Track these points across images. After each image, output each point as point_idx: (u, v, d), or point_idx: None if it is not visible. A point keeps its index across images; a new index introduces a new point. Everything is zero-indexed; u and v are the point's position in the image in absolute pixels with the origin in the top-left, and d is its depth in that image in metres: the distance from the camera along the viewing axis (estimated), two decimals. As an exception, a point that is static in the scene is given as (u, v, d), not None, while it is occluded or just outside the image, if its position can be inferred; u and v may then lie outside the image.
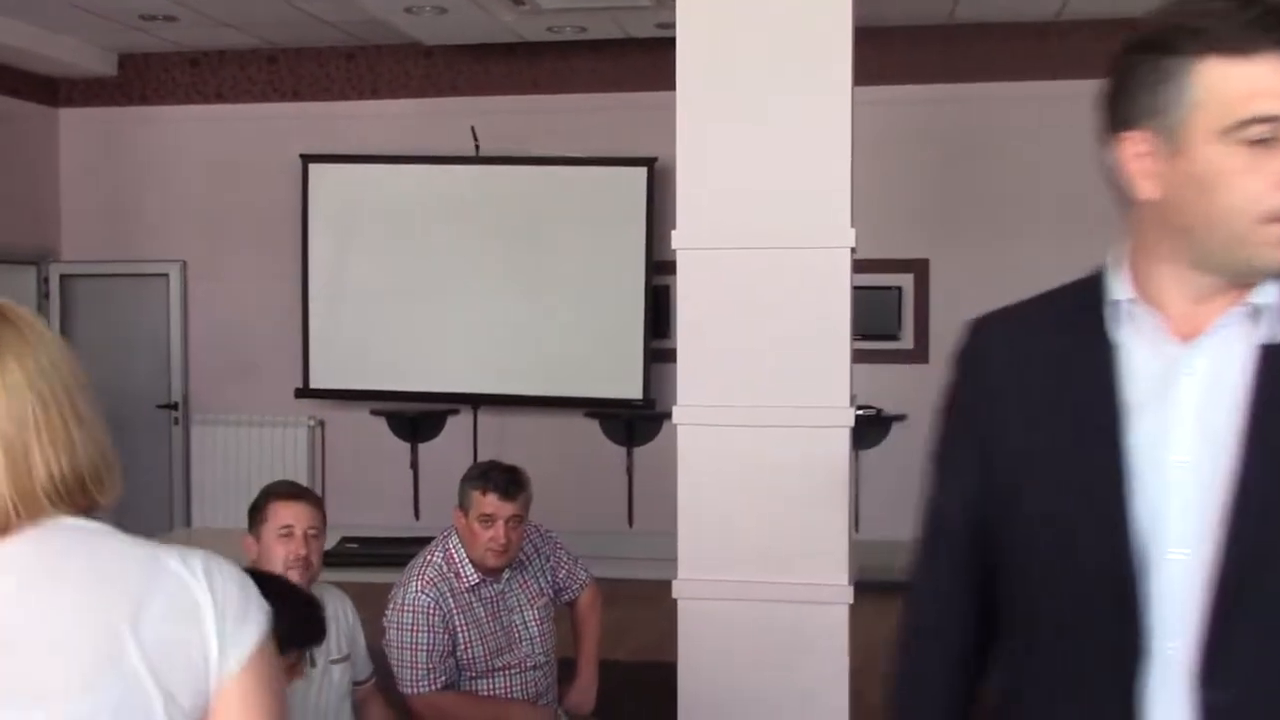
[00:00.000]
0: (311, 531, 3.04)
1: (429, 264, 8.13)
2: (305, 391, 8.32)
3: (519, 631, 3.45)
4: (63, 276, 8.77)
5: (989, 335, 1.54)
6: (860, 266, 3.47)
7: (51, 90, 8.72)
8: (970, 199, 7.82)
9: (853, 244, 3.41)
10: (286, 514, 3.02)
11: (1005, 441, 1.46)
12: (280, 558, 2.98)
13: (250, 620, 1.28)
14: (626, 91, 8.00)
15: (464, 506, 3.39)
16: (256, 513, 3.07)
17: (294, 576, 2.96)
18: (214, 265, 8.61)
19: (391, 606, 3.38)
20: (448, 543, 3.45)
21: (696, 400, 3.53)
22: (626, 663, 4.19)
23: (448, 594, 3.36)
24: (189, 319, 8.72)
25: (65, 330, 8.71)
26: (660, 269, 7.64)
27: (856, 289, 3.54)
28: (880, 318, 7.74)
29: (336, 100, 8.46)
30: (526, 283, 8.05)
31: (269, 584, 2.46)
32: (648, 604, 5.84)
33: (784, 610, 3.44)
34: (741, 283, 3.51)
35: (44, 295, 8.74)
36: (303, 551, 3.00)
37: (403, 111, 8.34)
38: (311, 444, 8.46)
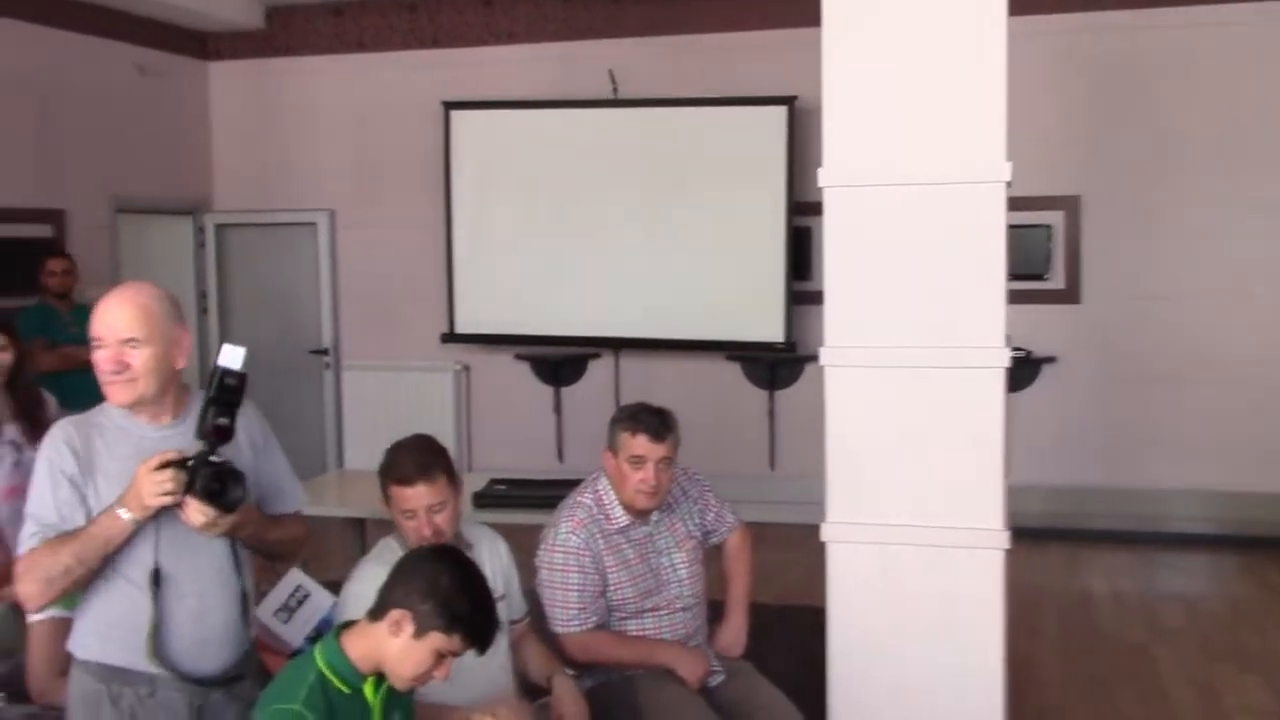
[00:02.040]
0: (435, 508, 3.06)
1: (570, 209, 8.17)
2: (451, 337, 8.46)
3: (668, 573, 3.47)
4: (217, 226, 9.05)
5: None
6: (1009, 204, 3.34)
7: (201, 44, 8.96)
8: (1124, 133, 7.51)
9: (1008, 178, 3.30)
10: (406, 499, 3.06)
11: None
12: (410, 534, 3.05)
13: None
14: (765, 29, 7.88)
15: (613, 448, 3.40)
16: (382, 489, 3.13)
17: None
18: (361, 213, 8.79)
19: (543, 547, 3.42)
20: (597, 484, 3.47)
21: (845, 342, 3.46)
22: (774, 606, 4.19)
23: (597, 535, 3.39)
24: (338, 266, 8.93)
25: (220, 279, 9.01)
26: (801, 210, 7.55)
27: (1012, 228, 3.42)
28: (1030, 257, 7.51)
29: (476, 46, 8.51)
30: (667, 226, 8.03)
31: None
32: (791, 547, 5.83)
33: (936, 555, 3.38)
34: (891, 221, 3.42)
35: (200, 245, 9.03)
36: (427, 532, 3.04)
37: (541, 56, 8.36)
38: (457, 388, 8.62)
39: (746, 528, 3.75)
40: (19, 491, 3.05)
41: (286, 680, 2.43)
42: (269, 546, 2.68)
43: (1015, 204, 3.48)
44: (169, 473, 2.34)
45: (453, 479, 3.13)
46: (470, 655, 3.01)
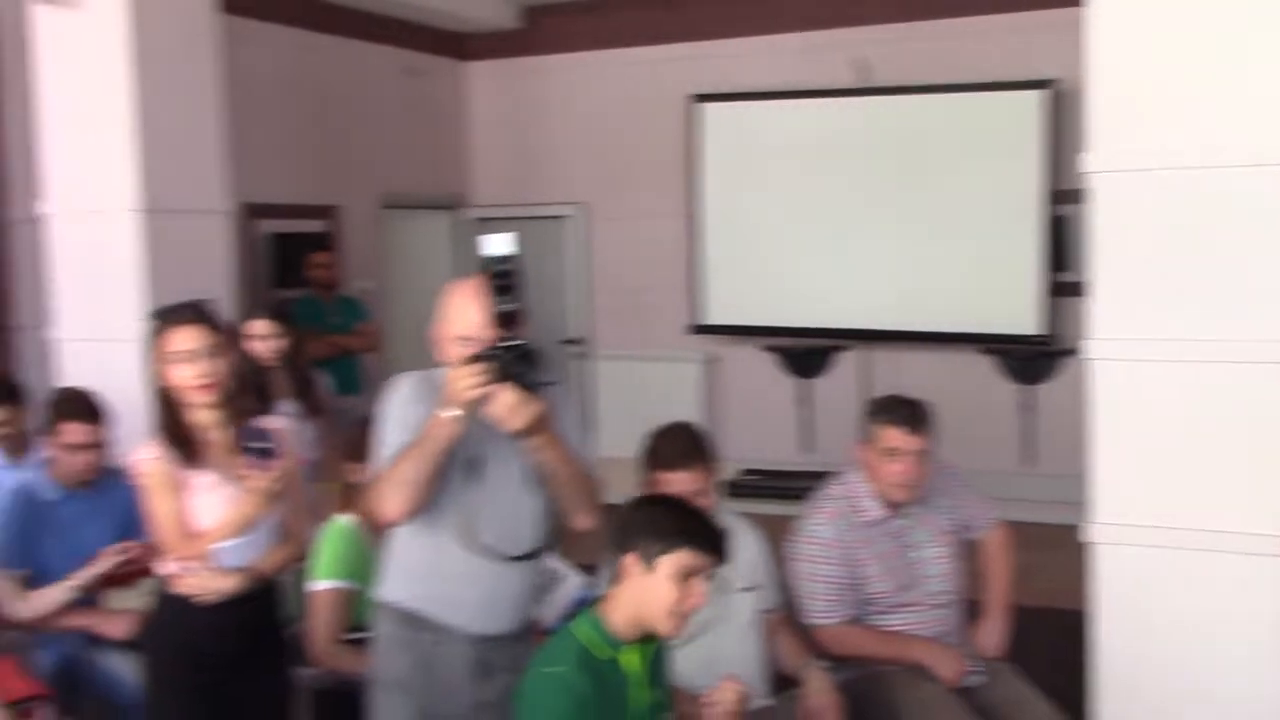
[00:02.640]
0: (695, 494, 3.06)
1: (818, 200, 8.10)
2: (699, 328, 8.53)
3: (924, 568, 3.39)
4: (475, 220, 9.39)
5: None
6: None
7: (460, 45, 9.30)
8: None
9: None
10: (667, 484, 3.08)
11: None
12: None
13: None
14: (1017, 12, 7.58)
15: (867, 440, 3.36)
16: (643, 473, 3.16)
17: None
18: (612, 206, 8.95)
19: (795, 538, 3.41)
20: (848, 477, 3.44)
21: (1114, 334, 3.30)
22: (1031, 607, 4.03)
23: (849, 528, 3.35)
24: (591, 259, 9.12)
25: (478, 272, 9.33)
26: (1060, 198, 7.24)
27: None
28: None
29: (723, 39, 8.53)
30: (917, 216, 7.86)
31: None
32: (1048, 548, 5.60)
33: (1215, 561, 3.18)
34: (1165, 207, 3.24)
35: (458, 239, 9.40)
36: None
37: (787, 46, 8.30)
38: (705, 379, 8.68)
39: (1007, 525, 3.63)
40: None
41: (551, 649, 2.52)
42: (562, 480, 2.70)
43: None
44: (474, 366, 2.47)
45: (711, 466, 3.15)
46: (725, 645, 3.04)
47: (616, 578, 2.50)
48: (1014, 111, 7.59)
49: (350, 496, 3.73)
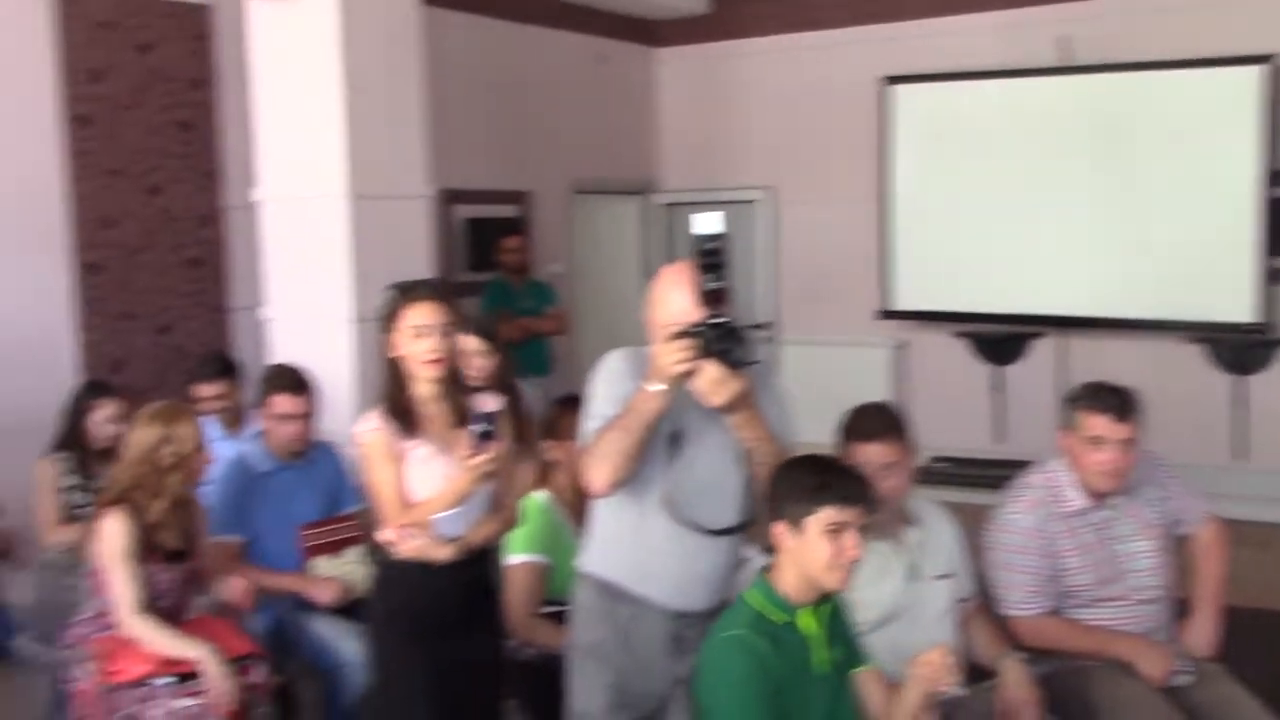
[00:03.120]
0: (886, 469, 3.04)
1: (1015, 181, 7.86)
2: (888, 313, 8.40)
3: (1129, 561, 3.26)
4: (663, 205, 9.46)
5: None
6: None
7: (650, 31, 9.36)
8: None
9: None
10: (862, 455, 3.05)
11: None
12: None
13: None
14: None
15: (1070, 427, 3.24)
16: (840, 446, 3.13)
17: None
18: (800, 190, 8.88)
19: (993, 526, 3.32)
20: (1049, 466, 3.33)
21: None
22: (1246, 608, 3.83)
23: (1050, 518, 3.25)
24: (779, 242, 9.08)
25: (667, 255, 9.40)
26: (1278, 179, 6.86)
27: None
28: None
29: (916, 19, 8.36)
30: (1120, 199, 7.56)
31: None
32: (1264, 547, 5.34)
33: None
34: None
35: (647, 224, 9.48)
36: (880, 489, 3.00)
37: (984, 25, 8.08)
38: (894, 365, 8.55)
39: (1220, 521, 3.46)
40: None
41: (728, 617, 2.57)
42: (762, 457, 2.72)
43: None
44: (680, 342, 2.52)
45: (908, 444, 3.11)
46: (917, 633, 2.99)
47: (773, 546, 2.55)
48: (1228, 89, 7.23)
49: (545, 473, 3.81)
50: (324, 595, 3.90)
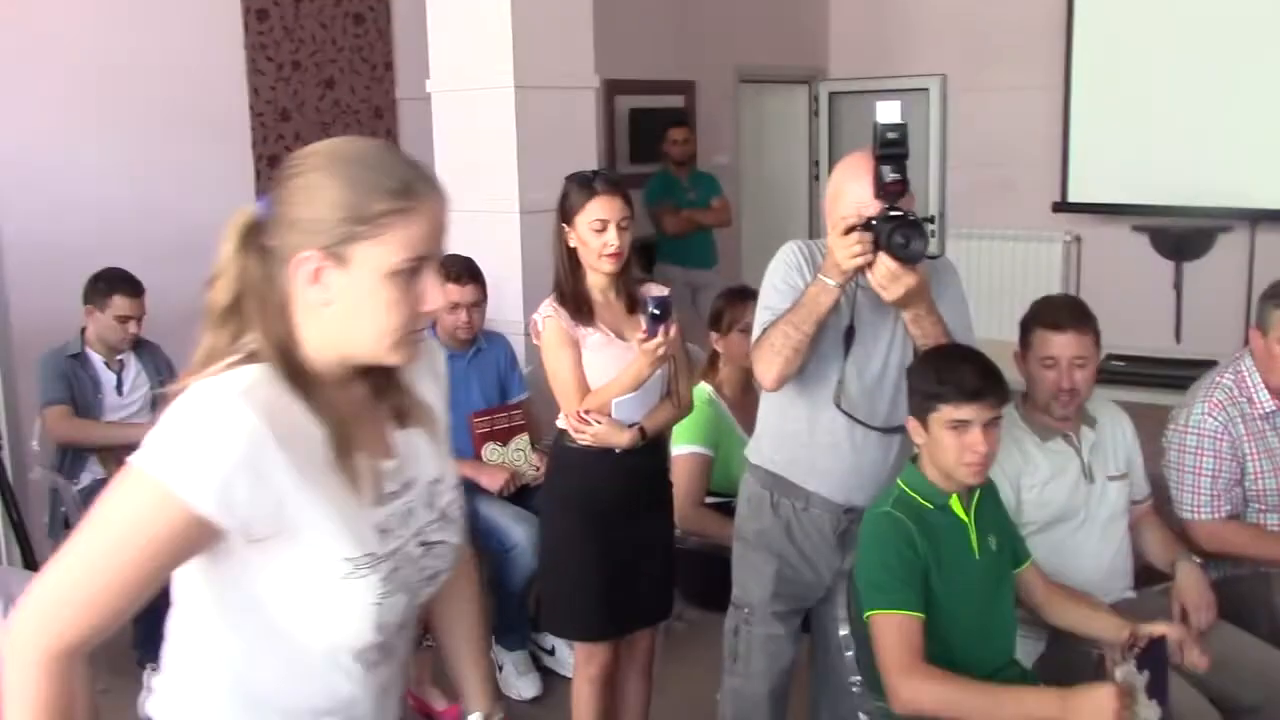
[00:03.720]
0: (1079, 360, 2.94)
1: (1204, 65, 7.43)
2: (1063, 206, 8.10)
3: (1320, 467, 3.13)
4: (830, 94, 9.25)
5: None
6: None
7: (821, -87, 9.07)
8: None
9: None
10: (1050, 345, 2.94)
11: None
12: (1045, 385, 2.94)
13: None
14: None
15: (1263, 326, 3.09)
16: (1024, 333, 3.03)
17: (1058, 407, 2.93)
18: (973, 78, 8.57)
19: (1173, 427, 3.21)
20: (1240, 365, 3.19)
21: None
22: None
23: (1238, 419, 3.12)
24: (947, 133, 8.81)
25: (832, 145, 9.22)
26: None
27: None
28: None
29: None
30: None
31: None
32: None
33: None
34: None
35: (814, 113, 9.29)
36: (1066, 384, 2.92)
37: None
38: (1066, 259, 8.27)
39: None
40: None
41: (880, 499, 2.59)
42: (934, 345, 2.67)
43: None
44: (856, 235, 2.49)
45: (1097, 338, 3.00)
46: (1089, 534, 2.92)
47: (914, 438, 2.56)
48: None
49: (711, 365, 3.83)
50: (494, 482, 4.02)
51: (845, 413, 2.72)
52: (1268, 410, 3.12)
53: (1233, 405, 3.13)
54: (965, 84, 8.63)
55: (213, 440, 1.36)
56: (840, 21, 9.20)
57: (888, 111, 2.51)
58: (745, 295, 3.71)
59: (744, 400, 3.80)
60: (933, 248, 2.61)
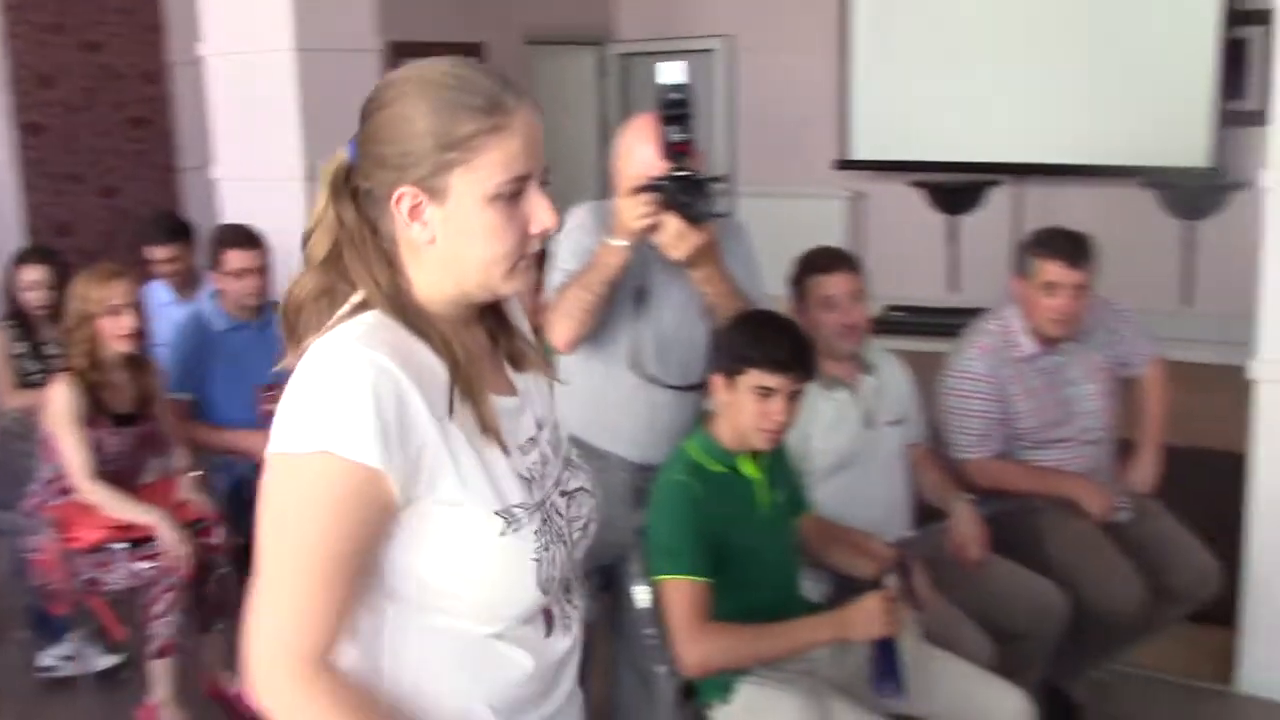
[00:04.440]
0: (856, 295, 3.07)
1: (972, 28, 7.79)
2: (845, 163, 8.36)
3: (1077, 404, 3.34)
4: (620, 55, 9.29)
5: None
6: None
7: (605, -126, 9.07)
8: None
9: None
10: (826, 286, 3.06)
11: None
12: (828, 328, 3.05)
13: None
14: None
15: (1024, 274, 3.28)
16: (796, 286, 3.14)
17: (844, 343, 3.05)
18: (758, 38, 8.74)
19: (946, 372, 3.38)
20: (1004, 311, 3.37)
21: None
22: (1184, 448, 3.95)
23: (1003, 363, 3.31)
24: (735, 93, 8.97)
25: (623, 106, 9.28)
26: (1239, 19, 6.81)
27: None
28: None
29: None
30: (1077, 42, 7.51)
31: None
32: (1206, 388, 5.45)
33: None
34: None
35: (603, 75, 9.32)
36: (849, 321, 3.05)
37: None
38: (850, 216, 8.55)
39: (1163, 361, 3.54)
40: None
41: (669, 463, 2.64)
42: (727, 312, 2.72)
43: None
44: (643, 196, 2.52)
45: (863, 277, 3.12)
46: (870, 478, 3.06)
47: (712, 395, 2.60)
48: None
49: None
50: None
51: (640, 373, 2.76)
52: (1030, 353, 3.31)
53: (998, 350, 3.31)
54: (752, 44, 8.80)
55: (350, 390, 1.28)
56: (626, -19, 9.24)
57: (670, 72, 2.53)
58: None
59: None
60: (723, 207, 2.66)
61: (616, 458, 2.84)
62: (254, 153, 4.93)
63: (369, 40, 5.06)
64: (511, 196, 1.36)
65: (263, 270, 4.06)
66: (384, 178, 1.35)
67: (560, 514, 1.46)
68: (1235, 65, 6.99)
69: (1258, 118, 3.21)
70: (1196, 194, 7.28)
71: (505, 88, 1.36)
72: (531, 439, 1.47)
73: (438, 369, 1.35)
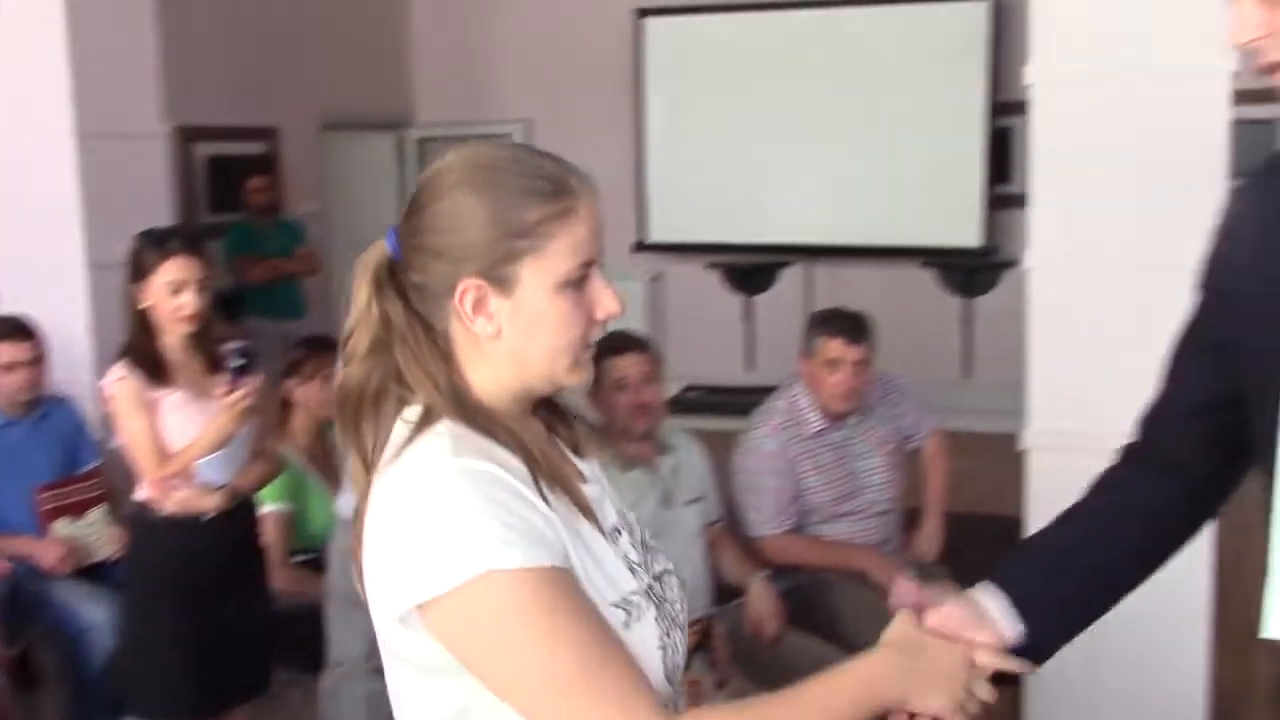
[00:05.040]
0: (649, 376, 3.13)
1: (762, 114, 8.10)
2: (643, 246, 8.53)
3: (864, 478, 3.47)
4: (418, 140, 9.29)
5: (1244, 200, 1.54)
6: (1234, 97, 3.15)
7: (402, -42, 9.12)
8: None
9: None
10: (618, 368, 3.10)
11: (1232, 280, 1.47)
12: (619, 411, 3.10)
13: None
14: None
15: (809, 352, 3.40)
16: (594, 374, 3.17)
17: (637, 424, 3.09)
18: (557, 123, 8.86)
19: (740, 451, 3.46)
20: (792, 389, 3.49)
21: (1051, 245, 3.35)
22: (964, 514, 4.14)
23: (793, 440, 3.41)
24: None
25: (422, 191, 9.23)
26: (1004, 110, 7.30)
27: (1240, 123, 3.24)
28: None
29: (667, -47, 8.43)
30: (861, 129, 7.90)
31: None
32: (984, 456, 5.73)
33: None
34: (1102, 117, 3.27)
35: (401, 160, 9.29)
36: (640, 401, 3.10)
37: (733, -42, 8.23)
38: (649, 297, 8.70)
39: (944, 433, 3.71)
40: None
41: None
42: None
43: (1240, 97, 3.27)
44: None
45: (658, 359, 3.18)
46: (669, 556, 3.10)
47: None
48: (959, 23, 7.62)
49: (283, 414, 3.74)
50: (48, 558, 3.72)
51: None
52: (818, 429, 3.43)
53: (788, 427, 3.42)
54: (550, 129, 8.91)
55: (472, 504, 1.19)
56: (425, 68, 9.28)
57: None
58: (328, 344, 3.66)
59: (319, 450, 3.75)
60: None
61: None
62: (33, 240, 4.73)
63: (155, 124, 4.93)
64: (578, 283, 1.30)
65: (36, 362, 3.88)
66: (443, 271, 1.29)
67: (665, 599, 1.38)
68: (1001, 152, 7.46)
69: (1022, 200, 3.43)
70: (971, 272, 7.70)
71: (567, 170, 1.32)
72: (616, 526, 1.40)
73: (517, 466, 1.28)
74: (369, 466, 1.31)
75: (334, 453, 3.40)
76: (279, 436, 3.53)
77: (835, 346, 3.34)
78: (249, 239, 6.96)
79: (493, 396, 1.31)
